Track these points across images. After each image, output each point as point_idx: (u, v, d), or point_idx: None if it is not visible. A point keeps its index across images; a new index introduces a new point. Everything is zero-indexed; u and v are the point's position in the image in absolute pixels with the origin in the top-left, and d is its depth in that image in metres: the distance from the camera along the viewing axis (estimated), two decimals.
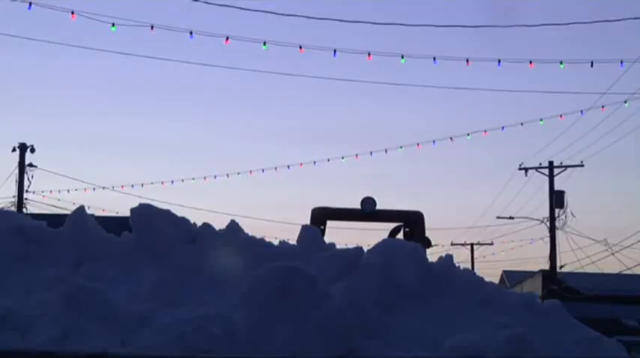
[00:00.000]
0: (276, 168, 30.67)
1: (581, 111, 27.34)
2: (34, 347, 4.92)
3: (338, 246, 6.49)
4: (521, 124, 28.18)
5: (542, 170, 38.18)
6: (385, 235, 11.93)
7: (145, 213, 6.11)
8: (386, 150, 27.46)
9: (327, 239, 11.02)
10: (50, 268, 5.80)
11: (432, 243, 11.48)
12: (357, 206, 11.33)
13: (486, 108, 61.18)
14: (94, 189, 35.18)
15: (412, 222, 11.41)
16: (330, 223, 11.64)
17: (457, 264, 6.28)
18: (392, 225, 11.98)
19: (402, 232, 11.64)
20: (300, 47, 19.74)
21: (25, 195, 34.24)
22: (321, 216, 11.38)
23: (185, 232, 6.08)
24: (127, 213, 6.21)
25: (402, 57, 20.03)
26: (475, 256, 51.32)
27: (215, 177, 32.71)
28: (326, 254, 5.84)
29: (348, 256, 5.76)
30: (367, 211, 11.24)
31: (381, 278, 5.62)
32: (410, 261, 5.75)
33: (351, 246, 7.81)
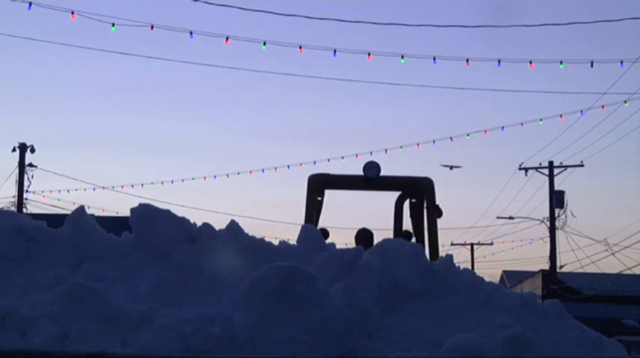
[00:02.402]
0: (276, 168, 30.74)
1: (581, 111, 27.40)
2: (34, 347, 4.91)
3: (338, 246, 6.48)
4: (521, 124, 28.24)
5: (542, 170, 38.20)
6: (391, 204, 11.02)
7: (145, 213, 6.11)
8: (386, 150, 27.46)
9: (326, 209, 10.55)
10: (50, 268, 5.81)
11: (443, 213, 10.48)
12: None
13: (486, 108, 61.30)
14: (94, 189, 35.25)
15: (421, 190, 10.44)
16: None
17: (457, 264, 6.28)
18: (397, 195, 10.90)
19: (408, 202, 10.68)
20: (300, 47, 19.78)
21: (25, 195, 34.27)
22: (319, 184, 10.42)
23: (185, 232, 6.07)
24: (127, 213, 6.21)
25: (402, 57, 20.08)
26: (475, 256, 51.36)
27: (215, 177, 32.77)
28: (326, 254, 5.84)
29: (348, 256, 5.76)
30: (371, 177, 10.28)
31: (381, 278, 5.62)
32: (410, 261, 5.75)
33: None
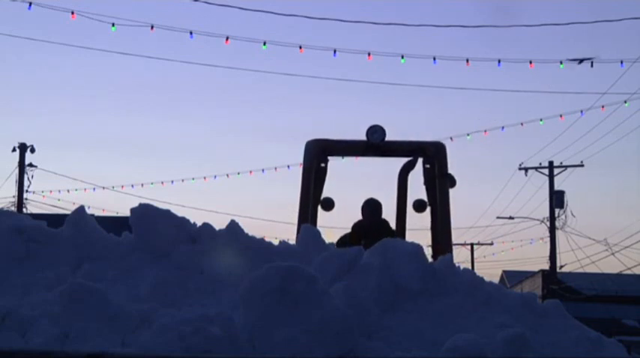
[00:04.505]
0: (276, 168, 30.81)
1: (581, 111, 27.45)
2: (34, 347, 4.91)
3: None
4: (521, 124, 28.28)
5: (542, 170, 38.26)
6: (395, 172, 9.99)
7: (145, 213, 6.11)
8: None
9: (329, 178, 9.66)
10: (50, 268, 5.80)
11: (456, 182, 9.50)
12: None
13: (486, 108, 61.35)
14: (94, 189, 35.34)
15: (431, 156, 9.50)
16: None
17: (457, 264, 6.28)
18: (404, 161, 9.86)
19: (417, 169, 9.70)
20: (300, 47, 19.83)
21: (25, 195, 34.33)
22: (319, 150, 9.57)
23: (185, 232, 6.07)
24: (127, 213, 6.21)
25: (402, 57, 20.11)
26: (475, 256, 51.47)
27: (215, 177, 32.86)
28: (326, 254, 5.84)
29: (348, 256, 5.76)
30: (375, 142, 9.39)
31: (381, 278, 5.62)
32: (410, 261, 5.75)
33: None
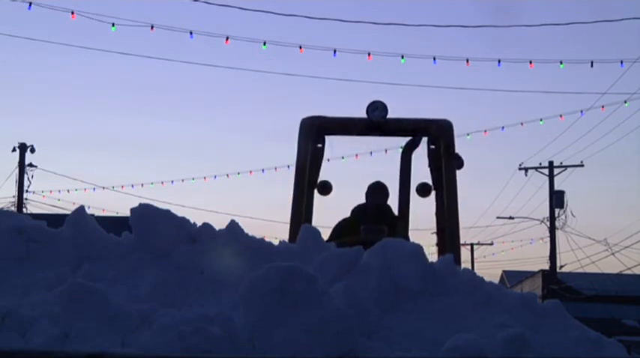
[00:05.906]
0: (276, 168, 30.82)
1: (581, 111, 27.49)
2: (34, 347, 4.91)
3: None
4: (522, 124, 28.31)
5: (542, 170, 38.29)
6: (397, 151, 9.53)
7: (145, 213, 6.10)
8: (386, 150, 27.43)
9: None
10: (50, 268, 5.80)
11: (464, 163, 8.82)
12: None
13: (486, 108, 61.36)
14: (94, 189, 35.38)
15: (436, 135, 8.84)
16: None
17: None
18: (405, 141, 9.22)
19: (421, 148, 9.11)
20: (300, 47, 19.85)
21: (25, 195, 34.37)
22: (315, 128, 8.89)
23: (185, 232, 6.07)
24: (127, 213, 6.20)
25: (402, 57, 20.11)
26: (475, 256, 51.48)
27: (215, 177, 32.91)
28: (326, 254, 5.84)
29: (348, 256, 5.76)
30: (376, 119, 8.70)
31: (381, 278, 5.62)
32: (410, 261, 5.75)
33: None
